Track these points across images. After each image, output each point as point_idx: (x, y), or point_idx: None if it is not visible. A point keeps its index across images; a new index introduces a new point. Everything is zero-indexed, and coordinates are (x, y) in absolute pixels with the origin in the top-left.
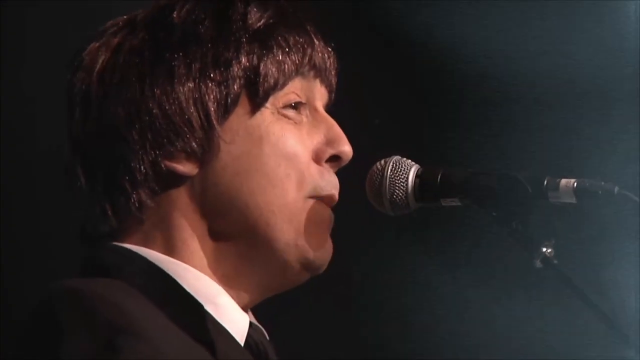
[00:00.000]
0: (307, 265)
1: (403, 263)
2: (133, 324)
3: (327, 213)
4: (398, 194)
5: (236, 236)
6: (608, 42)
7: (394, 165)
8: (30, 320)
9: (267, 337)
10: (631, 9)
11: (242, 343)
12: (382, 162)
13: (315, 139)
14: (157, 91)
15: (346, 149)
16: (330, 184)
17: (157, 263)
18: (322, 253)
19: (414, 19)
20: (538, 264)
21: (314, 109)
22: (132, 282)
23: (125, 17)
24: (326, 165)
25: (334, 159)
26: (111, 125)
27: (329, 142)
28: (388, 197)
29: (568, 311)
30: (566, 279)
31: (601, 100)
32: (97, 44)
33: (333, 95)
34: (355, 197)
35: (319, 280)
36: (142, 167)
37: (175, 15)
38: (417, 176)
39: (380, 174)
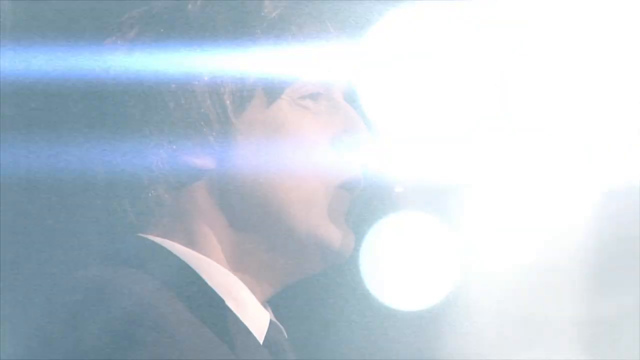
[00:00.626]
0: (327, 252)
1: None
2: (151, 316)
3: (347, 203)
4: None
5: (256, 228)
6: (608, 41)
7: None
8: (48, 308)
9: (286, 336)
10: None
11: (261, 341)
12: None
13: (334, 127)
14: (173, 85)
15: (362, 136)
16: (347, 171)
17: (180, 256)
18: (343, 242)
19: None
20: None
21: (333, 99)
22: (154, 274)
23: (142, 9)
24: (343, 152)
25: (351, 145)
26: (127, 120)
27: (345, 129)
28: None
29: (566, 309)
30: (565, 277)
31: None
32: (114, 38)
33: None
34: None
35: (323, 276)
36: (159, 162)
37: (190, 8)
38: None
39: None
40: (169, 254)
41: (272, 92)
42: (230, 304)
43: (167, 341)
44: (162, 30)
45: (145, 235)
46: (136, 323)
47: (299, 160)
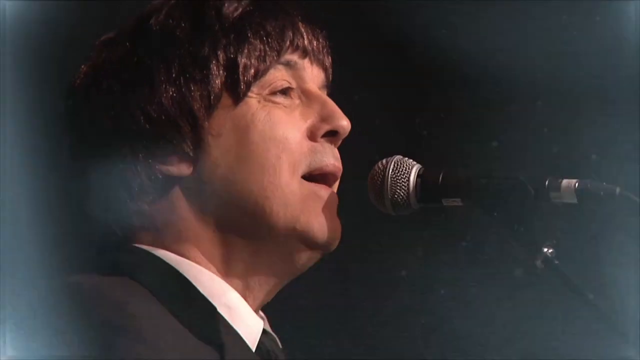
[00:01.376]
0: (311, 244)
1: (403, 262)
2: (132, 324)
3: (325, 193)
4: (399, 193)
5: (240, 230)
6: (608, 42)
7: (396, 164)
8: (31, 313)
9: (280, 346)
10: (631, 9)
11: (253, 348)
12: (384, 161)
13: (309, 118)
14: (141, 100)
15: (343, 123)
16: (326, 155)
17: (173, 264)
18: (326, 231)
19: (414, 18)
20: (539, 264)
21: (307, 91)
22: (145, 282)
23: (112, 33)
24: (322, 140)
25: (331, 134)
26: (103, 142)
27: (324, 118)
28: (389, 196)
29: (569, 311)
30: (567, 279)
31: (601, 100)
32: (85, 67)
33: (329, 74)
34: (356, 196)
35: (316, 279)
36: (137, 178)
37: (153, 22)
38: (418, 176)
39: (382, 173)
40: (161, 261)
41: (238, 92)
42: (222, 310)
43: (144, 350)
44: (127, 48)
45: (139, 245)
46: (113, 332)
47: (271, 155)
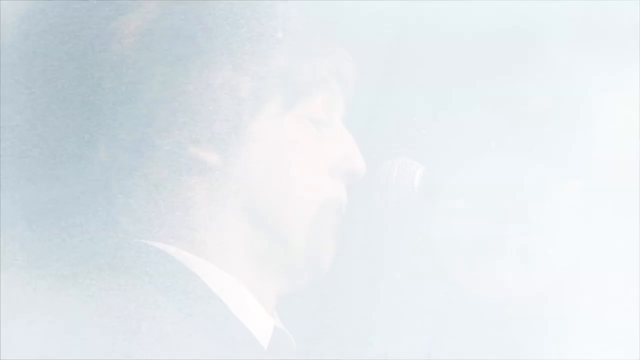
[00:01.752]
0: (315, 270)
1: (399, 264)
2: (140, 323)
3: (338, 222)
4: (404, 195)
5: (255, 234)
6: (608, 39)
7: (400, 167)
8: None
9: (294, 344)
10: (631, 8)
11: (265, 347)
12: (388, 163)
13: (333, 153)
14: (192, 74)
15: (361, 166)
16: (340, 197)
17: (184, 262)
18: (329, 259)
19: (413, 17)
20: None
21: (334, 125)
22: (155, 280)
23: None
24: (340, 182)
25: (349, 174)
26: (140, 104)
27: (344, 157)
28: (394, 198)
29: (569, 311)
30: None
31: (601, 99)
32: (133, 23)
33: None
34: (354, 196)
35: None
36: (165, 147)
37: (217, 8)
38: (422, 178)
39: (387, 175)
40: (172, 260)
41: (286, 101)
42: (234, 310)
43: (153, 347)
44: (186, 22)
45: (147, 242)
46: (122, 329)
47: (301, 179)
